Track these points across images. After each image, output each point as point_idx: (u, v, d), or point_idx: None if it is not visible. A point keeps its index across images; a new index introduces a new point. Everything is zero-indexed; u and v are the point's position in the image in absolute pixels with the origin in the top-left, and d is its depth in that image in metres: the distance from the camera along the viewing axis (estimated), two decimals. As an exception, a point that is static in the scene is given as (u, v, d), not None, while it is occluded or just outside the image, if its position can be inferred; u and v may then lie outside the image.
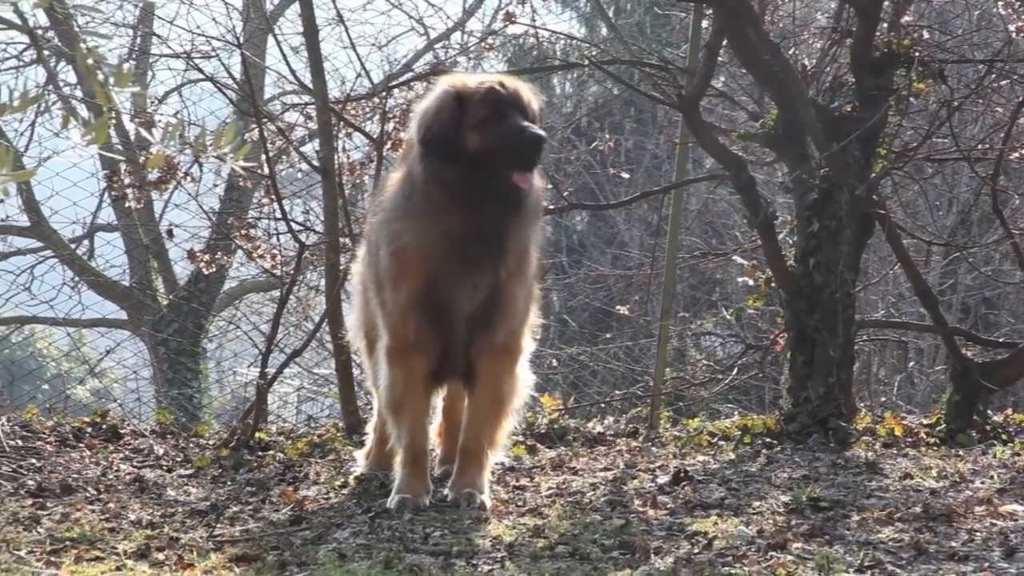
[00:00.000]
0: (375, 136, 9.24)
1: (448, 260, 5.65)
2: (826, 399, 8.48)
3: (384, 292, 5.90)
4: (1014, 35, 8.73)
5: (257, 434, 8.04)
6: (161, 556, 4.91)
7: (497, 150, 5.52)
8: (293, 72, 10.14)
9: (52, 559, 4.85)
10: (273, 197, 9.09)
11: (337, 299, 8.39)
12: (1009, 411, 9.62)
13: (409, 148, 5.93)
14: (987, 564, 4.78)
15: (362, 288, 6.82)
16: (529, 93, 5.76)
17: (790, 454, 7.80)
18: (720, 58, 9.28)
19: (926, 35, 9.17)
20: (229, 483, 6.77)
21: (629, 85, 10.30)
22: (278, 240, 9.81)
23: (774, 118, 8.87)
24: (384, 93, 9.56)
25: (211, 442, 8.17)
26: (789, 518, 5.66)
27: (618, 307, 12.38)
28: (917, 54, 8.64)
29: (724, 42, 8.84)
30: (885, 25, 8.90)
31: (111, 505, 5.99)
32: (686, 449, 8.14)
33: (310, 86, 9.07)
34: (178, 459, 7.52)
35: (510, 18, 10.61)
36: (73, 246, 18.42)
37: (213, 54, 10.71)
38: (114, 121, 7.44)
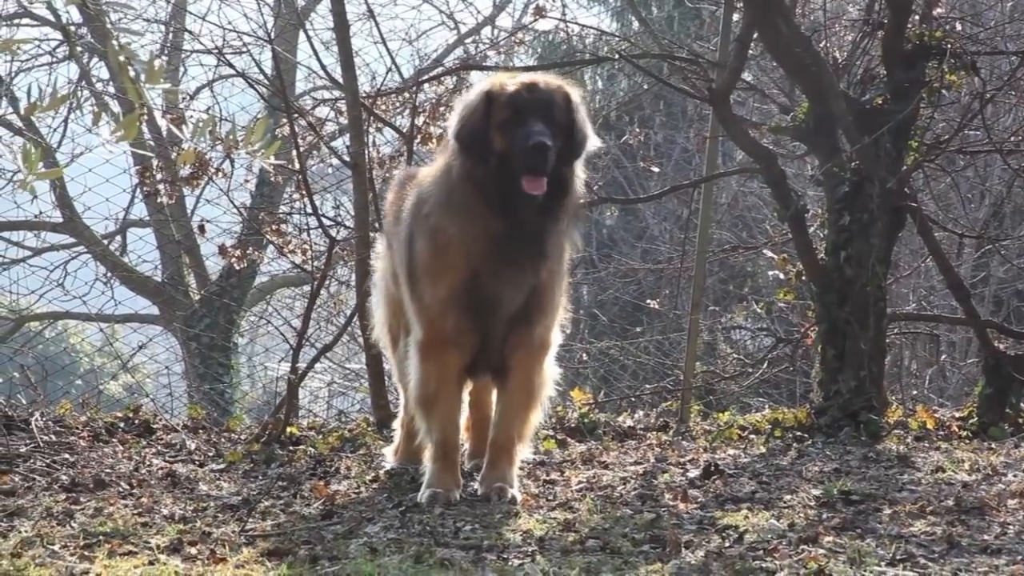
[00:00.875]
0: (405, 131, 9.26)
1: (490, 259, 5.66)
2: (857, 392, 8.46)
3: (420, 286, 5.88)
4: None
5: (288, 429, 8.07)
6: (193, 550, 4.92)
7: (512, 154, 5.53)
8: (324, 67, 10.17)
9: (85, 553, 4.86)
10: (304, 192, 9.13)
11: (367, 294, 8.36)
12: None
13: (447, 143, 5.94)
14: (1020, 557, 4.75)
15: (384, 283, 6.84)
16: (564, 94, 5.75)
17: (821, 448, 7.78)
18: (751, 51, 9.30)
19: (958, 27, 9.13)
20: (261, 478, 6.78)
21: (659, 79, 10.26)
22: (309, 235, 9.85)
23: (805, 111, 8.84)
24: (414, 88, 9.60)
25: (243, 437, 8.20)
26: (820, 512, 5.63)
27: (648, 301, 12.35)
28: (949, 46, 8.59)
29: (755, 35, 8.82)
30: (917, 17, 8.85)
31: (144, 500, 6.01)
32: (716, 443, 8.13)
33: (341, 81, 9.06)
34: (210, 454, 7.54)
35: (540, 13, 10.61)
36: (106, 242, 18.49)
37: (244, 50, 10.78)
38: (146, 117, 7.46)
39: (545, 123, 5.54)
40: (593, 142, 5.87)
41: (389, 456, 6.98)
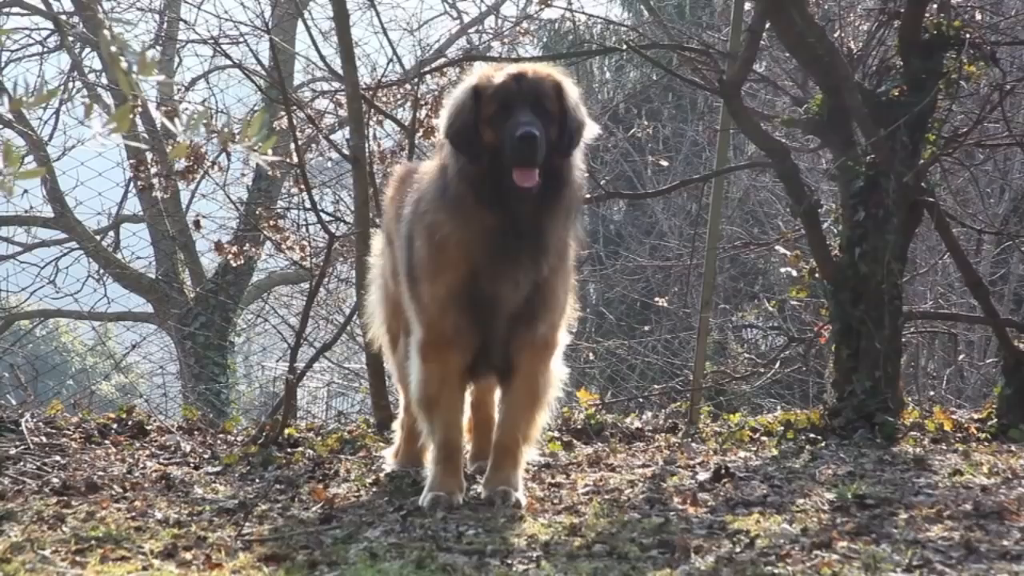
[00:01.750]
0: (407, 123, 9.24)
1: (489, 257, 5.60)
2: (872, 393, 8.38)
3: (419, 286, 5.83)
4: (1069, 16, 8.64)
5: (286, 430, 8.05)
6: (188, 556, 4.87)
7: (501, 147, 5.48)
8: (323, 58, 10.21)
9: (77, 559, 4.81)
10: (302, 187, 9.08)
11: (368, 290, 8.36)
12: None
13: (441, 141, 5.89)
14: (1040, 563, 4.64)
15: (382, 281, 6.80)
16: (554, 82, 5.69)
17: (835, 450, 7.71)
18: (763, 41, 9.31)
19: (977, 16, 9.07)
20: (258, 481, 6.73)
21: (668, 70, 10.25)
22: (307, 231, 9.89)
23: (819, 103, 8.78)
24: (416, 79, 9.61)
25: (239, 439, 8.19)
26: (834, 516, 5.56)
27: (657, 299, 12.38)
28: (968, 36, 8.50)
29: (767, 25, 8.75)
30: (935, 6, 8.77)
31: (137, 503, 5.95)
32: (727, 445, 8.08)
33: (340, 72, 9.02)
34: (205, 456, 7.51)
35: (546, 1, 10.56)
36: (98, 237, 18.57)
37: (241, 40, 10.79)
38: (139, 110, 7.43)
39: (534, 113, 5.50)
40: (591, 129, 5.83)
41: (389, 458, 6.95)
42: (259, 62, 11.08)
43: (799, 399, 14.09)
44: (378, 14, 10.51)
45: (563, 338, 6.16)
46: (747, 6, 9.28)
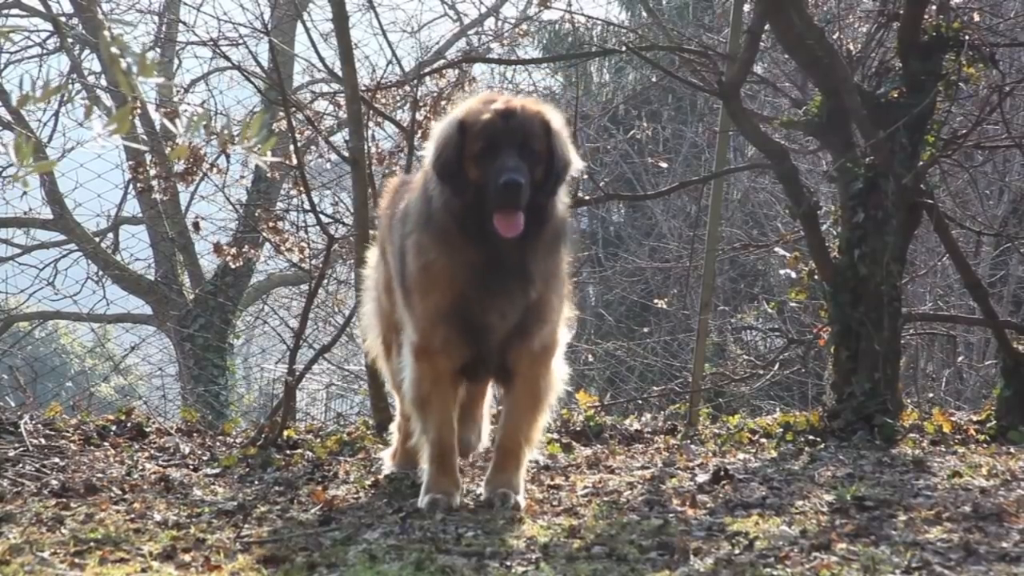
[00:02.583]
0: (406, 125, 9.22)
1: (474, 288, 5.57)
2: (871, 395, 8.38)
3: (412, 297, 5.80)
4: (1069, 17, 8.65)
5: (285, 432, 8.05)
6: (187, 557, 4.87)
7: (485, 187, 5.39)
8: (322, 60, 10.22)
9: (76, 561, 4.80)
10: (302, 188, 9.06)
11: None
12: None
13: (427, 168, 5.78)
14: (1039, 565, 4.64)
15: (376, 294, 6.77)
16: (543, 121, 5.57)
17: (834, 452, 7.72)
18: (762, 43, 9.31)
19: (976, 17, 9.05)
20: (257, 482, 6.73)
21: (668, 72, 10.25)
22: (307, 233, 9.87)
23: (818, 105, 8.77)
24: (415, 81, 9.60)
25: (238, 440, 8.19)
26: (833, 518, 5.56)
27: (656, 300, 12.34)
28: (967, 37, 8.51)
29: (767, 26, 8.76)
30: (934, 7, 8.78)
31: (136, 505, 5.94)
32: (726, 447, 8.09)
33: (340, 74, 9.00)
34: (205, 458, 7.50)
35: (545, 3, 10.56)
36: (97, 239, 18.57)
37: (240, 41, 10.80)
38: (139, 111, 7.42)
39: (520, 155, 5.40)
40: (576, 166, 5.72)
41: (387, 460, 6.92)
42: (258, 64, 11.08)
43: (798, 401, 14.10)
44: (377, 16, 10.51)
45: (564, 337, 6.14)
46: (746, 8, 9.30)
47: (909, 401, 9.56)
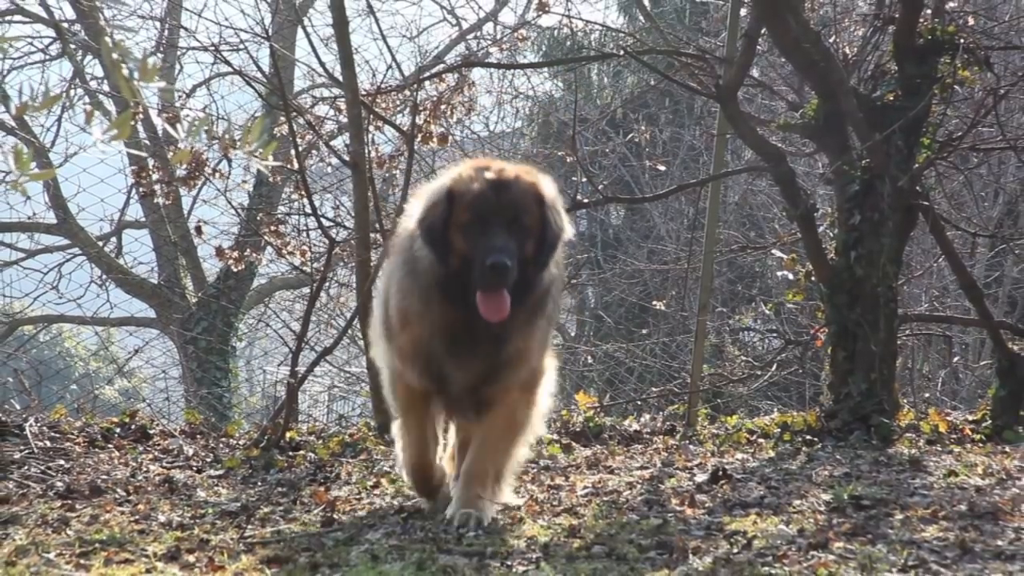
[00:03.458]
0: (406, 129, 9.24)
1: (446, 345, 5.38)
2: (868, 395, 8.42)
3: (393, 333, 5.65)
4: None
5: (288, 434, 8.08)
6: (191, 558, 4.89)
7: (472, 261, 5.15)
8: (323, 64, 10.25)
9: (81, 561, 4.82)
10: (303, 192, 9.10)
11: (368, 295, 8.34)
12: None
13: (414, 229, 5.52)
14: (1035, 563, 4.67)
15: (384, 299, 6.53)
16: (536, 193, 5.31)
17: (831, 451, 7.75)
18: (759, 47, 9.26)
19: (971, 21, 9.10)
20: (260, 484, 6.76)
21: (665, 75, 10.25)
22: (308, 236, 9.87)
23: (814, 108, 8.81)
24: (415, 85, 9.63)
25: (241, 442, 8.22)
26: (830, 517, 5.58)
27: (654, 302, 12.40)
28: (962, 41, 8.54)
29: (763, 30, 8.79)
30: (929, 11, 8.81)
31: (140, 506, 5.98)
32: (724, 447, 8.12)
33: (340, 79, 9.05)
34: (208, 459, 7.53)
35: (544, 8, 10.62)
36: (101, 243, 18.56)
37: (241, 47, 10.82)
38: (141, 116, 7.43)
39: (510, 231, 5.15)
40: (567, 235, 5.45)
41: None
42: (259, 69, 11.11)
43: (796, 401, 14.08)
44: (377, 21, 10.52)
45: (548, 371, 5.88)
46: (743, 12, 9.35)
47: (905, 401, 9.58)
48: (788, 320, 14.12)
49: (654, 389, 11.51)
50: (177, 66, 18.18)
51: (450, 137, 9.61)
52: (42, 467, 6.85)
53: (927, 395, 12.68)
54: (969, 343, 15.16)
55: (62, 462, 7.07)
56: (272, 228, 9.73)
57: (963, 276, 9.42)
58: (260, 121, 4.93)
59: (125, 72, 4.41)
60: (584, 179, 10.35)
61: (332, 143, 10.42)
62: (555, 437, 8.09)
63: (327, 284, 11.50)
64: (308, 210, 9.13)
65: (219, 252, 10.04)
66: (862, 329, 8.48)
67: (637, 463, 7.40)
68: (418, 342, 5.44)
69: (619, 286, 17.29)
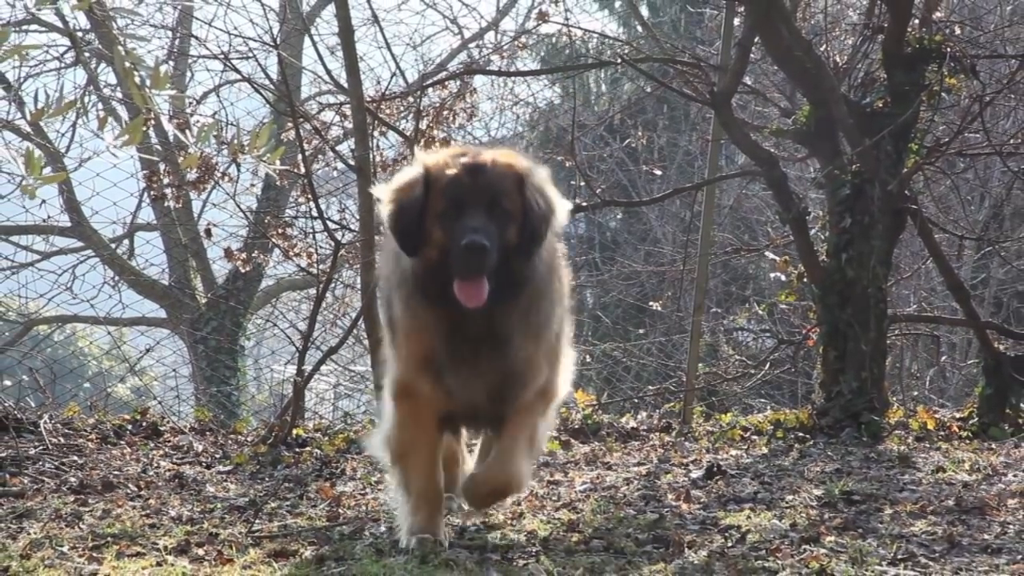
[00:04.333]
0: (409, 134, 9.31)
1: (447, 356, 4.90)
2: (858, 393, 8.51)
3: (397, 338, 5.17)
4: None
5: (294, 431, 8.10)
6: (201, 552, 4.94)
7: (448, 249, 4.71)
8: (329, 72, 10.22)
9: (94, 555, 4.87)
10: (309, 196, 9.14)
11: (372, 296, 8.33)
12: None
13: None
14: (1020, 557, 4.77)
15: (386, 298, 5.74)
16: (515, 175, 4.84)
17: (823, 448, 7.82)
18: (752, 55, 9.35)
19: (958, 31, 9.16)
20: (267, 479, 6.80)
21: (662, 83, 10.31)
22: (314, 238, 9.87)
23: (806, 114, 8.90)
24: (419, 92, 9.64)
25: (249, 439, 8.24)
26: (822, 512, 5.66)
27: (651, 303, 12.37)
28: (949, 50, 8.64)
29: (756, 39, 8.86)
30: (917, 21, 8.89)
31: (151, 501, 6.04)
32: (719, 444, 8.17)
33: (345, 86, 9.11)
34: (217, 456, 7.58)
35: (543, 17, 10.64)
36: (113, 246, 18.56)
37: (250, 55, 10.80)
38: (153, 122, 7.50)
39: (489, 215, 4.70)
40: (561, 213, 4.98)
41: None
42: (267, 76, 11.10)
43: (788, 399, 14.07)
44: (382, 30, 10.49)
45: (561, 388, 5.38)
46: (737, 21, 9.38)
47: (895, 399, 9.59)
48: (781, 320, 14.07)
49: (651, 387, 11.49)
50: (188, 74, 18.18)
51: (452, 142, 9.63)
52: (56, 463, 6.90)
53: (916, 393, 12.68)
54: (956, 342, 15.17)
55: (75, 458, 7.11)
56: (279, 231, 9.75)
57: (950, 277, 9.54)
58: (268, 127, 5.04)
59: (137, 80, 4.56)
60: (583, 183, 10.39)
61: (338, 148, 10.43)
62: (554, 434, 8.07)
63: (332, 285, 11.54)
64: (314, 213, 9.13)
65: (228, 254, 10.05)
66: (853, 329, 8.57)
67: (634, 459, 7.45)
68: (427, 343, 4.92)
69: (617, 287, 17.23)
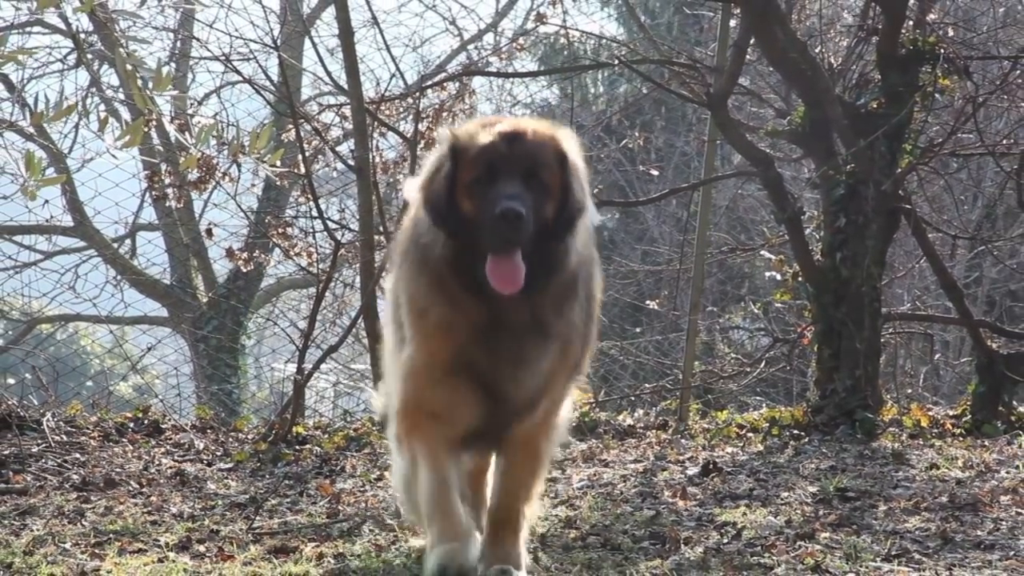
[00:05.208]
0: (409, 135, 9.33)
1: (479, 351, 4.36)
2: (853, 391, 8.56)
3: (406, 340, 4.58)
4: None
5: (294, 428, 8.12)
6: (202, 548, 4.98)
7: (479, 222, 4.20)
8: (329, 73, 10.25)
9: (96, 551, 4.92)
10: (309, 196, 9.15)
11: (372, 295, 8.44)
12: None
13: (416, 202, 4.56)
14: (1013, 553, 4.81)
15: (395, 306, 4.95)
16: (556, 148, 4.33)
17: (817, 445, 7.86)
18: (748, 56, 9.35)
19: (951, 32, 9.22)
20: (267, 476, 6.84)
21: (658, 84, 10.33)
22: (314, 238, 9.88)
23: (801, 115, 8.94)
24: (418, 93, 9.69)
25: (250, 436, 8.26)
26: (817, 508, 5.71)
27: (648, 302, 12.41)
28: (942, 51, 8.67)
29: (752, 40, 8.92)
30: (911, 23, 8.94)
31: (153, 498, 6.08)
32: (715, 441, 8.20)
33: (345, 87, 9.13)
34: (218, 453, 7.61)
35: (542, 19, 10.66)
36: (116, 245, 18.57)
37: (251, 57, 10.80)
38: (155, 123, 7.54)
39: (526, 185, 4.19)
40: (591, 215, 4.50)
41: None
42: (268, 78, 11.12)
43: (783, 397, 14.01)
44: (381, 32, 10.49)
45: (568, 404, 4.94)
46: (733, 23, 9.40)
47: (889, 397, 9.58)
48: (776, 319, 14.08)
49: (647, 385, 11.46)
50: (189, 75, 18.19)
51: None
52: (59, 460, 6.95)
53: (910, 391, 12.64)
54: (950, 341, 15.20)
55: (78, 456, 7.16)
56: (280, 230, 9.77)
57: (944, 276, 9.57)
58: (268, 128, 5.09)
59: (139, 81, 4.62)
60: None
61: (338, 149, 10.44)
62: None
63: (332, 284, 11.55)
64: (314, 213, 9.15)
65: (229, 253, 10.07)
66: (847, 327, 8.62)
67: (631, 457, 7.49)
68: (447, 344, 4.37)
69: (614, 286, 17.18)
